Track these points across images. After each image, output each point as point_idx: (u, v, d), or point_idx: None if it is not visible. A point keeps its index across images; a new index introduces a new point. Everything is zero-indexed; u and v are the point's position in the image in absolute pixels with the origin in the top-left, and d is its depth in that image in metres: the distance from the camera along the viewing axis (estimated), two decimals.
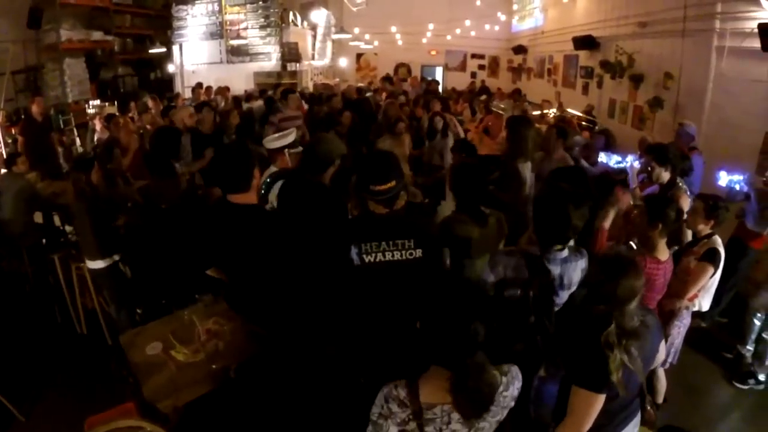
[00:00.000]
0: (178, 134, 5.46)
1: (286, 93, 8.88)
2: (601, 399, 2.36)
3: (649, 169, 4.92)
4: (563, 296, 2.99)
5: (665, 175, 4.80)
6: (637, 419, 2.74)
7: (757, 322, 4.89)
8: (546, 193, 3.19)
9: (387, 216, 2.84)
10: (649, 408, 4.06)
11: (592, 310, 2.44)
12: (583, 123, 11.00)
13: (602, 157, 5.82)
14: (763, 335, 4.80)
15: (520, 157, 4.96)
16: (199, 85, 12.95)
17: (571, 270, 2.92)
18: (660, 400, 4.27)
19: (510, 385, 2.10)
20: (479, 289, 2.84)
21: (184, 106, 6.91)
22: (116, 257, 4.89)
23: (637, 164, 5.61)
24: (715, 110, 7.73)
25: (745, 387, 4.83)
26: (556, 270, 2.87)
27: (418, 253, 2.84)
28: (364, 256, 2.82)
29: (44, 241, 6.36)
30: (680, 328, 4.07)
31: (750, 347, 4.95)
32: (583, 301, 2.58)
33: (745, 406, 4.67)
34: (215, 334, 3.54)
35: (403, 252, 2.83)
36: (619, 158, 5.91)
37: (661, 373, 4.20)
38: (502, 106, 12.16)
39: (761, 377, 4.82)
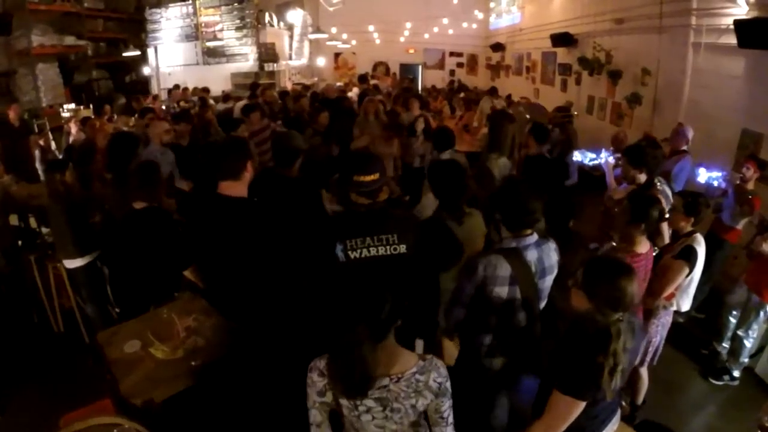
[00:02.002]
0: (136, 141, 5.39)
1: (247, 110, 8.73)
2: (581, 405, 2.37)
3: (625, 169, 4.93)
4: (547, 282, 3.07)
5: (641, 177, 4.80)
6: (618, 416, 2.76)
7: (733, 320, 4.92)
8: (505, 183, 3.22)
9: (370, 211, 2.86)
10: (624, 404, 4.13)
11: (598, 319, 2.37)
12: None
13: (576, 156, 5.82)
14: (738, 332, 4.80)
15: (496, 151, 4.95)
16: (176, 86, 12.79)
17: (547, 252, 3.01)
18: (639, 400, 4.29)
19: (426, 372, 2.11)
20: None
21: (159, 121, 6.77)
22: (93, 255, 4.87)
23: (611, 160, 5.62)
24: (692, 106, 7.79)
25: (720, 383, 4.85)
26: (533, 255, 2.94)
27: (402, 248, 2.87)
28: (350, 252, 2.82)
29: (20, 242, 6.29)
30: (659, 327, 4.05)
31: (726, 344, 4.98)
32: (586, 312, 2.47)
33: (719, 402, 4.70)
34: (195, 331, 3.53)
35: (388, 247, 2.85)
36: (593, 155, 5.93)
37: (644, 373, 4.21)
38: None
39: (735, 373, 4.84)
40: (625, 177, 4.98)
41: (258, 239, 3.19)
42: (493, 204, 3.04)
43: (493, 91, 13.27)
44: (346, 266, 2.83)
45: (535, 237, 2.96)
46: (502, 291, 2.89)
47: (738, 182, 5.33)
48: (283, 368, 3.28)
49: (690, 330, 5.46)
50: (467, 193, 3.71)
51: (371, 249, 2.84)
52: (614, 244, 3.98)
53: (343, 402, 2.11)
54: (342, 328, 2.03)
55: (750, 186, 5.25)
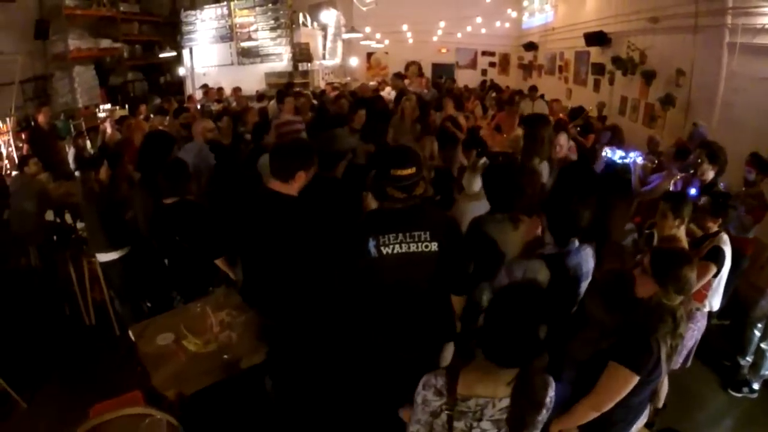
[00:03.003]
0: (171, 140, 5.47)
1: (281, 96, 8.78)
2: (635, 380, 2.46)
3: (699, 161, 4.93)
4: (582, 287, 3.10)
5: (710, 174, 4.80)
6: (646, 414, 2.85)
7: (758, 333, 4.80)
8: (557, 192, 3.26)
9: (404, 208, 2.88)
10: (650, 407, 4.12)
11: (665, 302, 2.60)
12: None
13: (606, 152, 5.78)
14: (762, 345, 4.71)
15: (535, 156, 4.90)
16: (204, 86, 13.08)
17: (585, 258, 3.06)
18: (660, 404, 4.23)
19: (549, 388, 2.11)
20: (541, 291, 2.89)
21: (202, 118, 7.00)
22: (126, 249, 5.01)
23: (640, 160, 5.57)
24: (726, 109, 7.59)
25: (739, 395, 4.75)
26: (573, 261, 2.99)
27: (434, 246, 2.88)
28: (382, 248, 2.86)
29: (55, 238, 6.51)
30: (694, 330, 4.09)
31: (749, 359, 4.87)
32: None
33: (736, 414, 4.61)
34: (228, 326, 3.60)
35: (419, 244, 2.87)
36: (623, 153, 5.89)
37: (664, 378, 4.17)
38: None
39: (755, 386, 4.74)
40: (695, 170, 4.98)
41: (302, 237, 3.27)
42: (543, 210, 3.10)
43: (532, 90, 12.98)
44: (378, 262, 2.88)
45: (576, 243, 3.01)
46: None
47: (744, 189, 5.21)
48: (316, 364, 3.35)
49: (711, 339, 5.34)
50: (523, 197, 3.65)
51: (403, 245, 2.86)
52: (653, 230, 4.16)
53: (458, 425, 2.05)
54: (525, 356, 1.98)
55: (761, 188, 5.12)
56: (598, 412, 2.56)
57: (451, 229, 3.05)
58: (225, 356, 3.34)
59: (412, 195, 2.87)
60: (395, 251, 2.86)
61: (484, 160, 5.33)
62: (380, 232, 2.86)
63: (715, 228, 4.06)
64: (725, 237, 4.00)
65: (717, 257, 3.90)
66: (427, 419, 2.09)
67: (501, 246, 3.37)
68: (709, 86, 7.92)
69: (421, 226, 2.88)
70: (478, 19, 17.76)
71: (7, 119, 9.22)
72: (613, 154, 5.86)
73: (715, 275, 3.96)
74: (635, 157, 5.62)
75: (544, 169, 4.94)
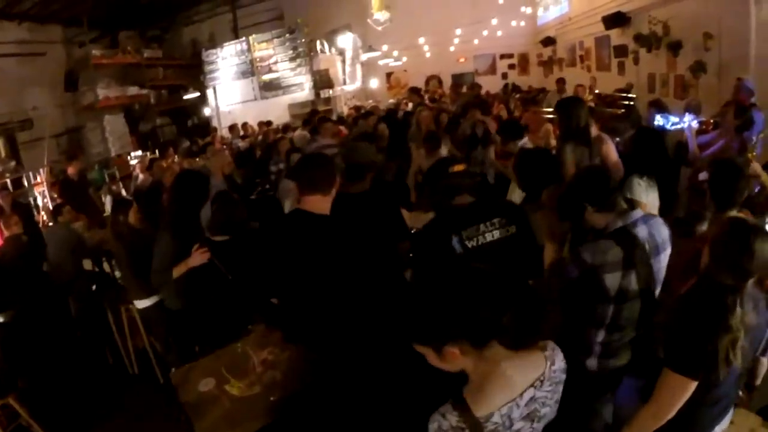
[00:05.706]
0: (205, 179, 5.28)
1: (321, 122, 9.11)
2: (692, 386, 2.16)
3: None
4: (662, 261, 2.75)
5: None
6: (730, 414, 2.52)
7: None
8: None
9: (474, 201, 2.99)
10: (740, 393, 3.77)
11: (716, 287, 2.18)
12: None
13: (658, 120, 5.49)
14: None
15: (571, 140, 4.68)
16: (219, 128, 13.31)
17: (657, 228, 2.71)
18: (757, 382, 3.90)
19: (556, 359, 1.79)
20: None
21: (220, 152, 7.10)
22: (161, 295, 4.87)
23: (695, 124, 5.22)
24: (761, 62, 7.30)
25: None
26: (644, 231, 2.65)
27: (513, 229, 2.96)
28: (467, 242, 2.88)
29: (94, 287, 6.53)
30: None
31: None
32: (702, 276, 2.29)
33: None
34: (272, 365, 3.44)
35: (501, 230, 2.94)
36: (676, 119, 5.55)
37: (765, 361, 3.85)
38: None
39: None
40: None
41: (346, 260, 3.12)
42: (576, 194, 2.80)
43: (560, 82, 12.51)
44: (465, 257, 2.85)
45: (640, 212, 2.72)
46: (615, 278, 2.57)
47: None
48: (366, 397, 3.18)
49: None
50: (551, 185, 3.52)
51: (487, 235, 2.91)
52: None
53: None
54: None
55: None
56: (660, 422, 2.25)
57: (522, 213, 3.13)
58: (271, 398, 3.17)
59: (474, 179, 3.05)
60: (480, 242, 2.89)
61: None
62: (462, 227, 2.89)
63: None
64: None
65: None
66: None
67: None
68: (740, 44, 7.66)
69: (497, 212, 2.97)
70: (494, 21, 17.66)
71: (41, 170, 9.49)
72: (666, 120, 5.58)
73: None
74: (690, 121, 5.23)
75: (583, 153, 4.69)
